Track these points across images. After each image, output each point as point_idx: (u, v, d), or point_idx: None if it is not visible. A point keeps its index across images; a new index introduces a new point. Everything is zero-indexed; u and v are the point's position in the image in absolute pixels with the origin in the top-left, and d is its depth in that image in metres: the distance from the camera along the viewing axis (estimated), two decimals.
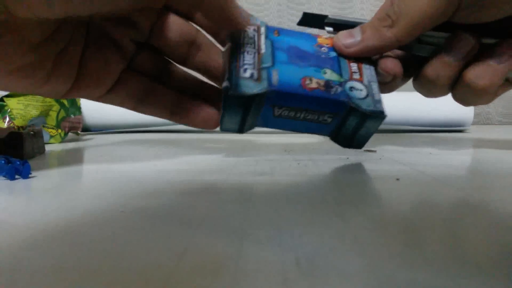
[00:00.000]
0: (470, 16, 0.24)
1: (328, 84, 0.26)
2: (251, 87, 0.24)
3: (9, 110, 0.40)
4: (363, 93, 0.26)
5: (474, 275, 0.10)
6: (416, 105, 0.56)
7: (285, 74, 0.25)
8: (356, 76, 0.27)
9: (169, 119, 0.24)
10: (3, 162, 0.23)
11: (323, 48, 0.28)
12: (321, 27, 0.29)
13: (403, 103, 0.55)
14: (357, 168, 0.26)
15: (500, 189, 0.19)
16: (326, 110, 0.26)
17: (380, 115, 0.26)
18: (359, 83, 0.27)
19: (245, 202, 0.17)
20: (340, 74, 0.27)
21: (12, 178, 0.22)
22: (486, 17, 0.24)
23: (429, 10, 0.24)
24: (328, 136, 0.28)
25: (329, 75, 0.26)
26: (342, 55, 0.27)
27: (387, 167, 0.26)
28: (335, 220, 0.15)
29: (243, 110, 0.24)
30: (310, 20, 0.30)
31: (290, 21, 0.76)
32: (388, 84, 0.28)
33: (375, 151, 0.34)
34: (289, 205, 0.17)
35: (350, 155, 0.31)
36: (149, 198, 0.18)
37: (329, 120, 0.27)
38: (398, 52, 0.28)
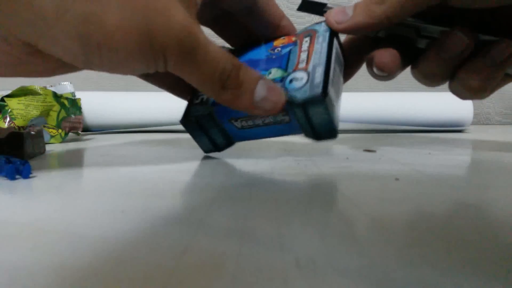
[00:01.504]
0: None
1: (276, 78, 0.26)
2: (197, 111, 0.28)
3: (9, 110, 0.40)
4: (302, 82, 0.25)
5: (474, 275, 0.10)
6: (416, 105, 0.56)
7: None
8: (302, 65, 0.26)
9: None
10: (3, 162, 0.23)
11: (276, 49, 0.28)
12: (320, 13, 0.29)
13: (402, 103, 0.55)
14: (357, 168, 0.26)
15: (500, 189, 0.20)
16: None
17: (316, 98, 0.23)
18: (302, 72, 0.25)
19: (245, 202, 0.17)
20: (285, 69, 0.26)
21: (12, 178, 0.22)
22: (480, 1, 0.23)
23: None
24: (301, 133, 0.27)
25: (273, 74, 0.26)
26: (332, 34, 0.27)
27: (386, 167, 0.26)
28: (335, 220, 0.15)
29: (203, 132, 0.28)
30: (309, 6, 0.30)
31: (290, 15, 0.76)
32: (385, 78, 0.27)
33: (375, 151, 0.34)
34: (289, 205, 0.17)
35: (350, 155, 0.31)
36: (149, 198, 0.18)
37: (287, 118, 0.26)
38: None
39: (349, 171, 0.24)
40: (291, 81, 0.25)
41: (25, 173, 0.23)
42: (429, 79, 0.27)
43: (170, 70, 0.21)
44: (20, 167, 0.23)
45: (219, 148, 0.30)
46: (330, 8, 0.28)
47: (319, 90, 0.23)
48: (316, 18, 0.77)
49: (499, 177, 0.23)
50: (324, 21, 0.28)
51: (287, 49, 0.28)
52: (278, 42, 0.29)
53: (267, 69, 0.27)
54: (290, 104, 0.24)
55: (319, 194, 0.19)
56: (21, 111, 0.40)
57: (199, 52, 0.21)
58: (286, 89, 0.25)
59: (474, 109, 0.61)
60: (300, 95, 0.24)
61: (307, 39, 0.28)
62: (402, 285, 0.10)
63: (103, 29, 0.17)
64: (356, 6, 0.26)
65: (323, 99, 0.23)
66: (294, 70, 0.26)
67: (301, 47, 0.28)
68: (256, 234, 0.13)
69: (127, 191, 0.19)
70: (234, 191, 0.19)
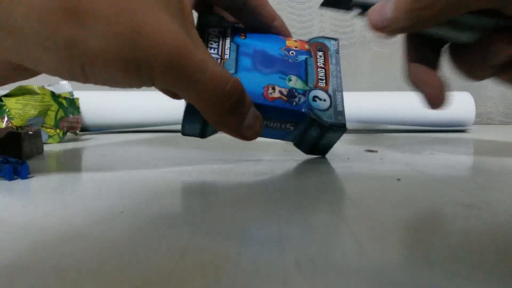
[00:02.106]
0: None
1: (291, 94, 0.26)
2: None
3: (7, 110, 0.40)
4: (326, 104, 0.26)
5: (474, 275, 0.10)
6: (418, 105, 0.55)
7: (247, 82, 0.25)
8: (322, 84, 0.27)
9: None
10: (1, 162, 0.23)
11: (291, 52, 0.28)
12: (347, 8, 0.25)
13: (404, 103, 0.55)
14: (358, 168, 0.26)
15: (502, 189, 0.19)
16: (287, 119, 0.26)
17: (340, 128, 0.26)
18: (323, 92, 0.27)
19: (245, 202, 0.17)
20: (306, 82, 0.27)
21: (10, 178, 0.22)
22: None
23: None
24: (292, 142, 0.29)
25: (294, 82, 0.26)
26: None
27: (388, 167, 0.26)
28: (336, 220, 0.14)
29: (202, 120, 0.25)
30: (334, 1, 0.26)
31: (291, 20, 0.76)
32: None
33: (376, 151, 0.34)
34: (289, 205, 0.17)
35: (351, 156, 0.31)
36: (149, 198, 0.18)
37: (292, 128, 0.27)
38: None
39: (350, 171, 0.24)
40: (314, 98, 0.27)
41: (23, 174, 0.23)
42: (468, 78, 0.25)
43: (163, 90, 0.21)
44: (18, 167, 0.23)
45: (203, 136, 0.27)
46: (358, 2, 0.25)
47: (343, 119, 0.27)
48: (319, 26, 0.77)
49: (501, 177, 0.22)
50: (333, 38, 0.28)
51: (303, 57, 0.28)
52: (290, 43, 0.28)
53: (285, 73, 0.27)
54: (311, 121, 0.26)
55: (320, 194, 0.19)
56: (19, 111, 0.40)
57: (195, 73, 0.20)
58: (310, 105, 0.26)
59: (476, 109, 0.61)
60: (326, 118, 0.26)
61: (321, 54, 0.29)
62: (402, 285, 0.09)
63: (86, 53, 0.17)
64: (396, 6, 0.22)
65: (345, 130, 0.26)
66: (315, 87, 0.27)
67: (316, 61, 0.28)
68: (256, 234, 0.13)
69: (126, 192, 0.19)
70: (234, 191, 0.19)
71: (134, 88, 0.20)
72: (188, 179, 0.22)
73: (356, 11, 0.25)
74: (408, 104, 0.55)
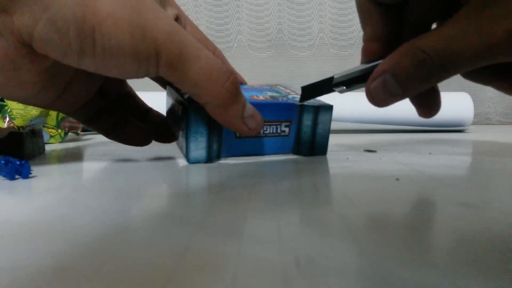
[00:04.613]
0: None
1: (273, 97, 0.30)
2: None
3: (9, 110, 0.40)
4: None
5: (474, 275, 0.10)
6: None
7: None
8: (293, 93, 0.32)
9: (105, 136, 0.30)
10: (2, 162, 0.23)
11: (252, 87, 0.33)
12: (330, 90, 0.26)
13: (403, 103, 0.55)
14: (357, 168, 0.26)
15: (500, 190, 0.19)
16: (280, 118, 0.29)
17: (327, 106, 0.30)
18: (297, 95, 0.31)
19: (245, 202, 0.17)
20: (279, 93, 0.32)
21: (12, 178, 0.22)
22: None
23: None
24: (292, 152, 0.31)
25: (270, 94, 0.31)
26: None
27: (387, 167, 0.26)
28: (335, 220, 0.14)
29: (206, 126, 0.26)
30: (312, 91, 0.27)
31: (290, 21, 0.76)
32: None
33: (375, 151, 0.34)
34: (289, 205, 0.17)
35: (350, 155, 0.31)
36: (149, 198, 0.18)
37: (287, 130, 0.29)
38: None
39: (349, 171, 0.24)
40: (293, 97, 0.31)
41: (25, 173, 0.23)
42: None
43: (163, 70, 0.21)
44: (20, 167, 0.23)
45: (210, 158, 0.28)
46: (339, 78, 0.25)
47: (328, 103, 0.30)
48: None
49: (500, 177, 0.23)
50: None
51: (265, 87, 0.33)
52: (248, 87, 0.33)
53: (261, 91, 0.31)
54: (301, 109, 0.29)
55: (319, 194, 0.19)
56: (21, 111, 0.40)
57: (191, 49, 0.21)
58: (294, 100, 0.29)
59: (475, 109, 0.61)
60: (312, 103, 0.29)
61: (281, 87, 0.34)
62: (402, 286, 0.10)
63: (96, 14, 0.18)
64: (400, 77, 0.21)
65: (332, 107, 0.30)
66: (289, 94, 0.32)
67: (279, 88, 0.34)
68: (256, 234, 0.13)
69: (127, 191, 0.19)
70: (234, 191, 0.19)
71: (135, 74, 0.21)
72: (188, 179, 0.22)
73: (339, 88, 0.26)
74: (407, 104, 0.55)
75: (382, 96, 0.22)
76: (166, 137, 0.31)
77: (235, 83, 0.23)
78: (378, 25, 0.24)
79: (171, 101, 0.30)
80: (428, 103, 0.26)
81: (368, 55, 0.24)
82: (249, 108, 0.25)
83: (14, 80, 0.20)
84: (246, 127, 0.25)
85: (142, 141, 0.30)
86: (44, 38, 0.18)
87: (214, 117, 0.24)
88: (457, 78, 0.26)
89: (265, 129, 0.28)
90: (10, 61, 0.19)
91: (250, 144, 0.29)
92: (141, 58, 0.20)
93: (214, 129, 0.27)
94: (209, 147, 0.27)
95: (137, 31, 0.19)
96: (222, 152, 0.28)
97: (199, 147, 0.27)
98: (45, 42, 0.18)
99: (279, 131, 0.29)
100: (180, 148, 0.29)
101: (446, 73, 0.20)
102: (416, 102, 0.26)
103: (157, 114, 0.32)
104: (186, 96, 0.27)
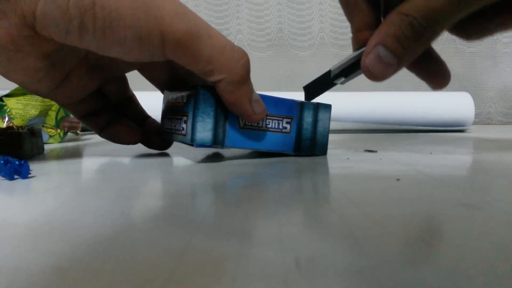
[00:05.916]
0: None
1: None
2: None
3: (8, 109, 0.40)
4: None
5: (474, 275, 0.10)
6: (417, 105, 0.55)
7: None
8: None
9: (98, 134, 0.31)
10: (2, 162, 0.23)
11: None
12: (332, 84, 0.26)
13: (403, 103, 0.55)
14: (358, 168, 0.26)
15: (502, 190, 0.19)
16: (282, 113, 0.29)
17: (326, 105, 0.31)
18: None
19: (245, 202, 0.17)
20: None
21: (11, 178, 0.22)
22: None
23: None
24: (292, 152, 0.30)
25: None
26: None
27: (387, 167, 0.26)
28: (336, 220, 0.14)
29: (215, 106, 0.26)
30: (315, 88, 0.27)
31: (291, 20, 0.76)
32: None
33: (376, 151, 0.34)
34: (289, 205, 0.17)
35: (351, 155, 0.31)
36: (149, 198, 0.18)
37: (288, 127, 0.29)
38: None
39: (350, 172, 0.24)
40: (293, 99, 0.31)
41: (24, 173, 0.23)
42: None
43: (171, 51, 0.21)
44: (19, 167, 0.23)
45: (215, 141, 0.27)
46: (336, 70, 0.26)
47: (327, 103, 0.31)
48: None
49: (501, 177, 0.22)
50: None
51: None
52: None
53: None
54: (301, 106, 0.30)
55: (320, 195, 0.19)
56: (20, 111, 0.40)
57: (202, 27, 0.21)
58: (292, 99, 0.30)
59: (476, 109, 0.61)
60: (311, 102, 0.29)
61: None
62: (402, 286, 0.09)
63: None
64: (393, 45, 0.21)
65: (330, 105, 0.31)
66: None
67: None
68: (256, 234, 0.13)
69: (127, 191, 0.19)
70: (234, 191, 0.19)
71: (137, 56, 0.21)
72: (188, 179, 0.22)
73: (340, 80, 0.26)
74: (407, 104, 0.55)
75: (379, 69, 0.22)
76: (161, 144, 0.32)
77: (249, 63, 0.23)
78: (367, 13, 0.24)
79: (167, 101, 0.30)
80: (434, 73, 0.26)
81: (360, 43, 0.24)
82: (256, 93, 0.25)
83: (17, 64, 0.21)
84: (253, 111, 0.25)
85: (132, 141, 0.31)
86: (46, 15, 0.18)
87: (224, 96, 0.24)
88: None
89: (267, 122, 0.28)
90: (12, 42, 0.19)
91: (254, 136, 0.28)
92: (143, 35, 0.19)
93: (221, 113, 0.27)
94: (215, 129, 0.27)
95: (140, 7, 0.19)
96: (226, 141, 0.28)
97: (205, 129, 0.26)
98: (47, 20, 0.18)
99: (281, 126, 0.29)
100: (183, 137, 0.27)
101: (433, 31, 0.20)
102: (422, 75, 0.26)
103: (153, 121, 0.33)
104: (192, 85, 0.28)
